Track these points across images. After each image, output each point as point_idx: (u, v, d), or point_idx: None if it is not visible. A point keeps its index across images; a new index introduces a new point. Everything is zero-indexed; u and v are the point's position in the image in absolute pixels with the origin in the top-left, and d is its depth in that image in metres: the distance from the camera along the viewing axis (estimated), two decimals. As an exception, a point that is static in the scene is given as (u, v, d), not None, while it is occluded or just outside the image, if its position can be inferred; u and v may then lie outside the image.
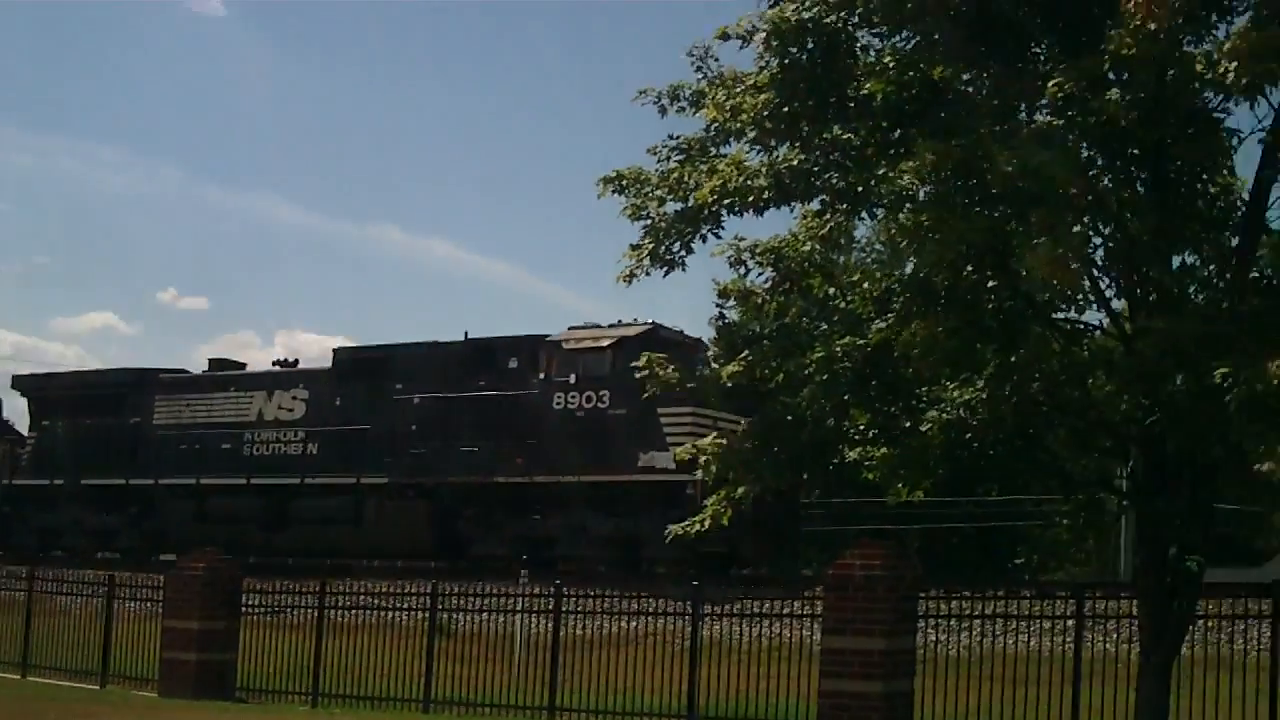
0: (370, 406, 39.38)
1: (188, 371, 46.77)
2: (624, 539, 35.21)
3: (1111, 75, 12.90)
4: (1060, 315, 14.59)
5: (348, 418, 39.79)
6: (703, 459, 15.66)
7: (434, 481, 37.75)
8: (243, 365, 46.56)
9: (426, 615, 21.75)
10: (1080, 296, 13.70)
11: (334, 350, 42.86)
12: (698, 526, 15.81)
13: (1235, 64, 11.92)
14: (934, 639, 19.33)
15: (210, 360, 46.84)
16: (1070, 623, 18.89)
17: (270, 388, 42.25)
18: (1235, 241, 14.13)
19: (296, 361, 44.16)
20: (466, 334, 39.04)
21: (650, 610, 21.23)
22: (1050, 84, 13.00)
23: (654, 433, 33.49)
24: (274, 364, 44.34)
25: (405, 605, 22.28)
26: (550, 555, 35.22)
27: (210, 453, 42.18)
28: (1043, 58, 14.51)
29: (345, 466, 39.35)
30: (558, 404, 35.89)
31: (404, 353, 39.97)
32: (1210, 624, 20.08)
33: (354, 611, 22.84)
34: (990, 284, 13.80)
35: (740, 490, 15.61)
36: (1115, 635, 19.86)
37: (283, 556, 38.81)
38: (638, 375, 16.73)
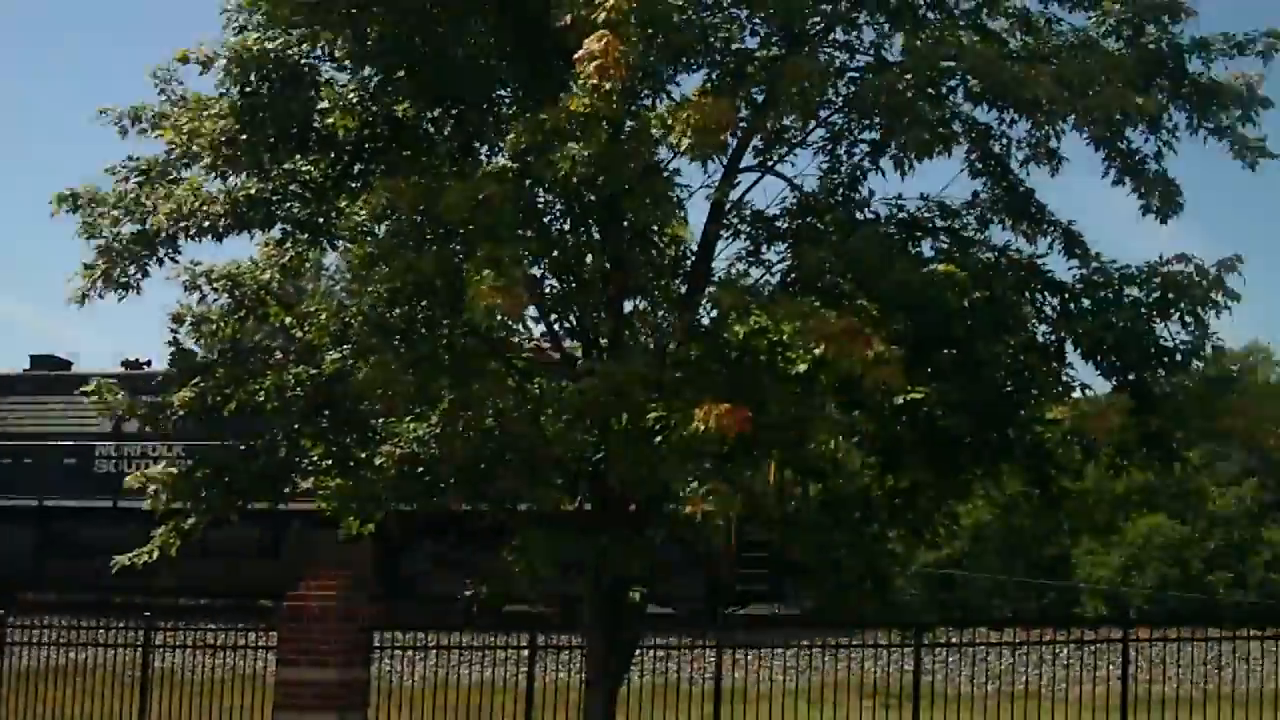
0: None
1: None
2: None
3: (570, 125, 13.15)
4: (516, 354, 14.94)
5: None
6: (151, 488, 15.33)
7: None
8: (69, 364, 38.95)
9: None
10: (525, 332, 14.06)
11: None
12: (144, 557, 15.55)
13: (688, 132, 12.32)
14: (391, 669, 19.48)
15: (31, 358, 39.33)
16: (524, 653, 19.38)
17: (129, 393, 35.94)
18: (684, 290, 14.72)
19: (150, 362, 36.40)
20: None
21: (101, 641, 20.68)
22: (510, 136, 13.23)
23: None
24: (122, 365, 36.82)
25: None
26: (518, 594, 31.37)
27: (49, 469, 35.64)
28: (508, 100, 14.82)
29: None
30: None
31: None
32: (660, 654, 20.90)
33: None
34: (444, 320, 13.98)
35: (191, 521, 15.38)
36: (569, 665, 20.37)
37: (168, 593, 33.09)
38: (88, 402, 16.31)
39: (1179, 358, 13.83)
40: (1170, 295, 13.75)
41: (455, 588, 31.54)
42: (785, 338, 11.82)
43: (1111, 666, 21.93)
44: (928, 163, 14.01)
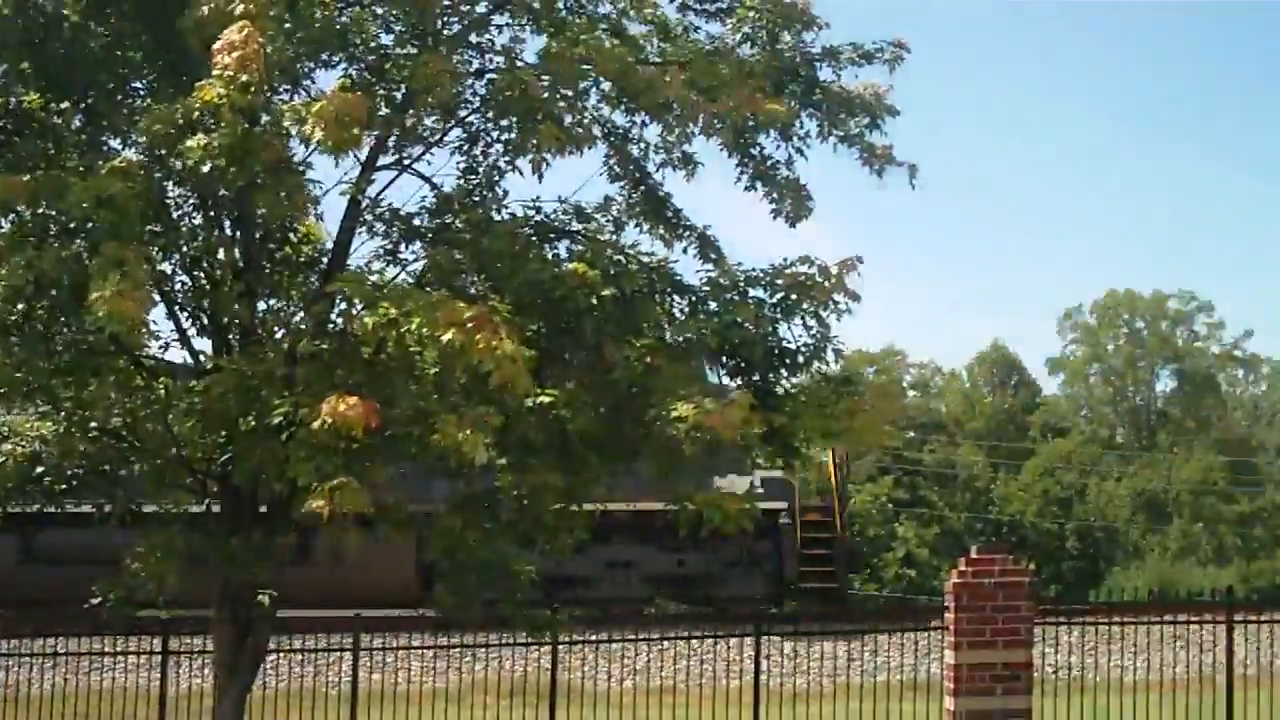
0: None
1: None
2: (683, 578, 31.97)
3: (203, 115, 12.90)
4: (147, 353, 14.60)
5: None
6: None
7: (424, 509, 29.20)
8: None
9: None
10: (148, 332, 13.73)
11: None
12: None
13: (322, 125, 12.19)
14: (21, 678, 18.95)
15: None
16: (158, 658, 19.02)
17: None
18: (318, 286, 14.57)
19: None
20: None
21: None
22: (141, 124, 12.94)
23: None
24: None
25: None
26: (582, 598, 30.40)
27: None
28: (141, 92, 14.49)
29: None
30: None
31: None
32: (300, 657, 20.71)
33: None
34: (63, 319, 13.58)
35: None
36: (204, 670, 20.04)
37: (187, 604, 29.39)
38: None
39: (800, 358, 14.21)
40: (793, 297, 14.11)
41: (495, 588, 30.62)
42: (414, 328, 11.78)
43: (747, 660, 22.46)
44: (570, 168, 14.15)
